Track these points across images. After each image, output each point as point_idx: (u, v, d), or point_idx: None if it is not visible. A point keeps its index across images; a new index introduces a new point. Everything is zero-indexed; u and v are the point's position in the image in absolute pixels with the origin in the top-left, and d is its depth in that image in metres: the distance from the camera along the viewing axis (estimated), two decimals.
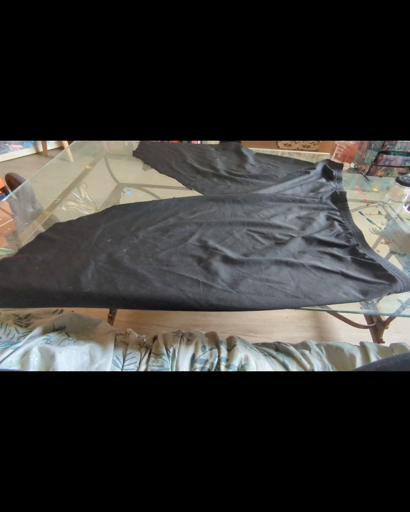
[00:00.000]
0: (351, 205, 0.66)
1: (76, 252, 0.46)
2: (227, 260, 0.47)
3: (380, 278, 0.44)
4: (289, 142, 2.48)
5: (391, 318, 0.79)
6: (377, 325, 0.88)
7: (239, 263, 0.47)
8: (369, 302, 0.44)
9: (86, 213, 0.60)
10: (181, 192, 0.70)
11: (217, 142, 1.87)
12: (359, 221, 0.62)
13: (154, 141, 0.93)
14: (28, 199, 0.74)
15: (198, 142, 1.76)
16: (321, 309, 0.43)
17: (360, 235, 0.55)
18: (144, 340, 0.50)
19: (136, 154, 0.83)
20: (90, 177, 0.77)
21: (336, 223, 0.58)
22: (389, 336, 0.89)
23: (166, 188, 0.73)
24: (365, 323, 0.90)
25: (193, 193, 0.68)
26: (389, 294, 0.43)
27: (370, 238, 0.58)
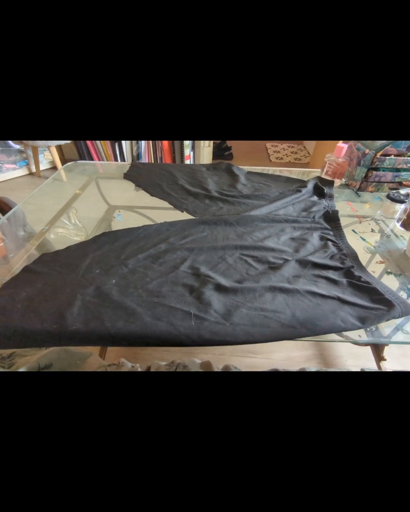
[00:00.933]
0: (343, 221, 0.65)
1: (62, 285, 0.44)
2: (219, 288, 0.45)
3: (377, 302, 0.43)
4: (281, 155, 2.53)
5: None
6: (374, 333, 0.86)
7: (232, 291, 0.45)
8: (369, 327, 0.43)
9: (77, 239, 0.59)
10: (174, 213, 0.69)
11: (209, 161, 1.89)
12: (352, 240, 0.62)
13: (145, 162, 0.93)
14: (19, 223, 0.73)
15: (191, 161, 1.78)
16: (319, 340, 0.41)
17: (354, 256, 0.54)
18: (139, 369, 0.48)
19: (127, 176, 0.83)
20: (81, 199, 0.76)
21: (329, 243, 0.58)
22: (390, 351, 0.87)
23: (160, 209, 0.72)
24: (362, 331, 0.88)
25: (186, 215, 0.68)
26: (387, 320, 0.41)
27: (364, 257, 0.57)
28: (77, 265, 0.49)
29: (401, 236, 0.65)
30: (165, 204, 0.73)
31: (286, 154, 2.57)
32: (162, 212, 0.71)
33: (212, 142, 1.90)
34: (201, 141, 1.80)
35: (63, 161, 1.94)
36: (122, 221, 0.68)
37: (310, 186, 0.77)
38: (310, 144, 2.53)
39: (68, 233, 0.64)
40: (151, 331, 0.38)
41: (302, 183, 0.79)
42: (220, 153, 2.31)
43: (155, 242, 0.55)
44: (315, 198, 0.73)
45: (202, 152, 1.84)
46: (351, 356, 0.97)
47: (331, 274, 0.49)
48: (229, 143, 2.43)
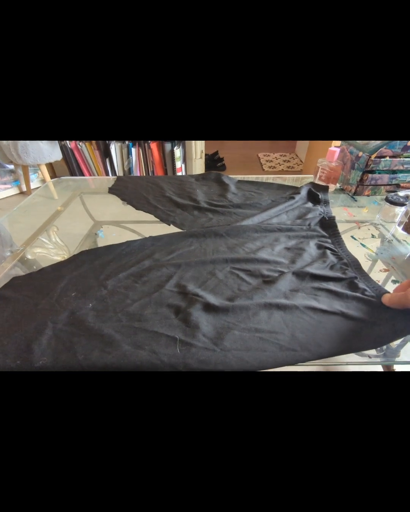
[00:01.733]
0: (341, 228, 0.61)
1: (32, 312, 0.39)
2: (209, 308, 0.41)
3: (386, 321, 0.38)
4: (273, 164, 2.54)
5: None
6: (387, 352, 0.80)
7: (222, 310, 0.40)
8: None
9: (58, 259, 0.55)
10: (162, 226, 0.65)
11: (201, 171, 1.88)
12: (352, 247, 0.57)
13: (132, 175, 0.90)
14: (5, 243, 0.69)
15: (183, 173, 1.77)
16: (323, 363, 0.36)
17: (356, 265, 0.50)
18: None
19: (112, 190, 0.79)
20: (65, 216, 0.73)
21: (328, 252, 0.53)
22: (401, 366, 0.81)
23: (147, 223, 0.69)
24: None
25: (174, 228, 0.64)
26: (398, 338, 0.37)
27: (366, 265, 0.52)
28: (52, 289, 0.44)
29: (404, 240, 0.61)
30: (153, 217, 0.69)
31: (278, 163, 2.57)
32: (151, 226, 0.67)
33: (204, 153, 1.89)
34: (193, 153, 1.80)
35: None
36: (106, 238, 0.64)
37: (304, 192, 0.73)
38: (302, 152, 2.53)
39: (47, 253, 0.60)
40: (130, 361, 0.33)
41: (295, 190, 0.76)
42: (212, 164, 2.31)
43: (138, 259, 0.51)
44: (309, 204, 0.70)
45: (194, 164, 1.84)
46: (357, 368, 0.90)
47: (332, 286, 0.45)
48: (221, 154, 2.44)
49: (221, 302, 0.42)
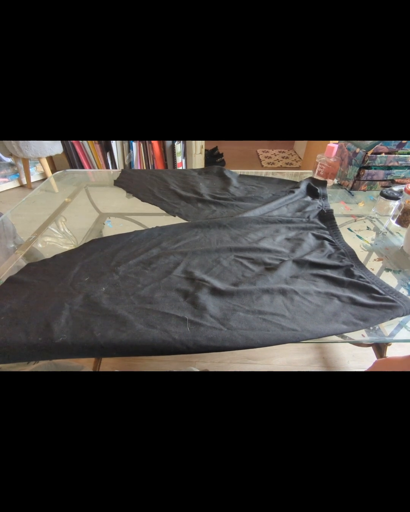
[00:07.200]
0: (338, 221, 0.64)
1: (49, 295, 0.42)
2: (215, 292, 0.44)
3: (379, 301, 0.41)
4: (272, 160, 2.56)
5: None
6: (375, 333, 0.84)
7: (228, 294, 0.43)
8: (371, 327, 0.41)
9: (66, 248, 0.57)
10: (166, 218, 0.68)
11: (201, 166, 1.90)
12: (348, 238, 0.60)
13: (136, 169, 0.92)
14: (9, 235, 0.71)
15: (183, 167, 1.78)
16: (321, 341, 0.39)
17: (352, 255, 0.53)
18: None
19: (117, 183, 0.81)
20: (71, 208, 0.75)
21: (326, 242, 0.56)
22: (393, 352, 0.85)
23: (152, 215, 0.71)
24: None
25: (178, 220, 0.66)
26: (390, 319, 0.40)
27: (362, 255, 0.56)
28: (65, 274, 0.46)
29: (397, 233, 0.64)
30: (157, 210, 0.71)
31: (277, 159, 2.59)
32: (155, 218, 0.69)
33: (203, 149, 1.91)
34: (193, 148, 1.81)
35: (55, 172, 1.94)
36: (113, 228, 0.66)
37: (303, 187, 0.76)
38: (300, 149, 2.56)
39: (57, 242, 0.62)
40: (143, 339, 0.36)
41: (295, 184, 0.78)
42: (211, 160, 2.33)
43: (147, 247, 0.54)
44: (308, 198, 0.73)
45: (194, 159, 1.85)
46: (353, 358, 0.94)
47: (329, 273, 0.48)
48: (221, 149, 2.45)
49: (226, 287, 0.44)
